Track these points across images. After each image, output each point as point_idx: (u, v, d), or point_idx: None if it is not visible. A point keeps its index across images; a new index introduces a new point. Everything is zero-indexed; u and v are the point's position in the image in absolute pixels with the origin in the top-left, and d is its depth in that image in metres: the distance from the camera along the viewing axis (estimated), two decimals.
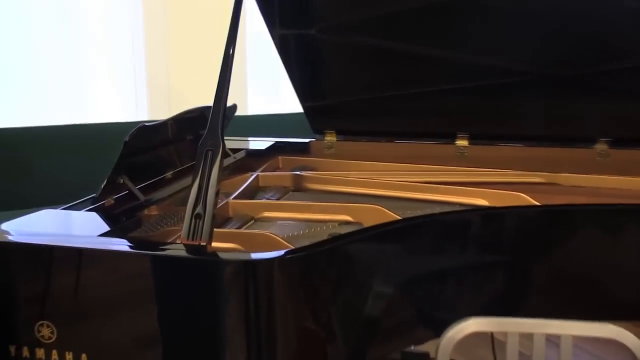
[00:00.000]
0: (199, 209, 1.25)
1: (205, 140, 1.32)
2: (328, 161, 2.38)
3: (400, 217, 1.67)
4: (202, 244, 1.23)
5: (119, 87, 3.68)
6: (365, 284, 1.40)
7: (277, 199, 1.99)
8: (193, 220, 1.25)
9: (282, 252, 1.25)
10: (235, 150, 2.30)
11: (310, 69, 2.32)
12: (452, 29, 2.18)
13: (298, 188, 2.10)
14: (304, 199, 2.01)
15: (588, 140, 2.32)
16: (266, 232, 1.49)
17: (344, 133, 2.49)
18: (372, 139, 2.48)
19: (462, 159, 2.37)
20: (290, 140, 2.50)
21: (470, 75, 2.28)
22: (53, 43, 3.48)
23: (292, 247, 1.33)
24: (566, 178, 2.16)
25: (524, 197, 1.85)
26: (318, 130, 2.48)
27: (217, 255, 1.23)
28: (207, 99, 3.29)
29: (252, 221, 1.76)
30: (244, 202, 1.79)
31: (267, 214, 1.78)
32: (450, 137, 2.40)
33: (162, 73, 3.59)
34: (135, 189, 1.61)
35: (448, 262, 1.56)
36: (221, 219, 1.73)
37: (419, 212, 1.82)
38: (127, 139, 1.51)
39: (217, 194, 1.28)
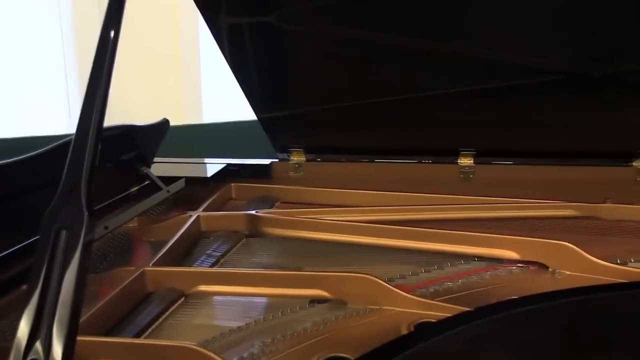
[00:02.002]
0: (35, 348, 0.61)
1: (55, 210, 0.68)
2: (296, 189, 1.75)
3: (405, 295, 1.06)
4: None
5: (50, 95, 3.00)
6: None
7: (224, 253, 1.35)
8: None
9: None
10: (170, 180, 1.66)
11: (267, 70, 1.68)
12: (453, 16, 1.56)
13: (254, 232, 1.46)
14: (261, 252, 1.39)
15: (624, 156, 1.74)
16: (191, 345, 0.85)
17: (315, 151, 1.86)
18: (352, 159, 1.85)
19: (467, 183, 1.76)
20: (245, 162, 1.86)
21: (476, 76, 1.69)
22: None
23: None
24: (610, 210, 1.54)
25: (572, 249, 1.24)
26: (283, 149, 1.85)
27: None
28: (157, 106, 2.59)
29: (182, 299, 1.13)
30: (168, 271, 1.15)
31: (203, 287, 1.14)
32: (452, 155, 1.78)
33: None
34: None
35: None
36: (136, 297, 1.10)
37: (434, 275, 1.22)
38: None
39: (77, 313, 0.64)
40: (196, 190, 1.71)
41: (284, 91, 1.75)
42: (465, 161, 1.79)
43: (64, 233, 0.67)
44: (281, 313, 1.08)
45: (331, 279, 1.12)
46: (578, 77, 1.64)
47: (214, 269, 1.24)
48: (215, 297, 1.16)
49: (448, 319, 0.92)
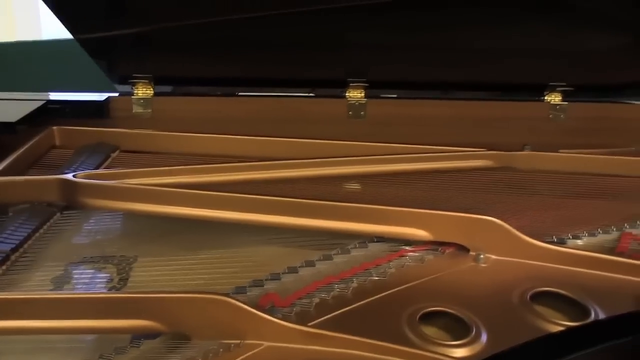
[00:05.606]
0: None
1: None
2: (140, 134, 1.30)
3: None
4: None
5: None
6: None
7: (21, 242, 0.90)
8: None
9: None
10: None
11: None
12: None
13: (74, 204, 1.01)
14: (81, 234, 0.96)
15: (535, 89, 1.41)
16: None
17: (166, 82, 1.40)
18: (215, 92, 1.41)
19: (357, 121, 1.37)
20: (74, 98, 1.36)
21: None
22: None
23: None
24: (529, 159, 1.21)
25: (498, 225, 0.89)
26: (123, 79, 1.36)
27: None
28: None
29: None
30: None
31: None
32: (339, 87, 1.37)
33: None
34: None
35: None
36: None
37: (319, 270, 0.84)
38: None
39: None
40: (3, 140, 1.21)
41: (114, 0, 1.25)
42: (355, 94, 1.39)
43: None
44: None
45: (166, 302, 0.70)
46: None
47: None
48: None
49: None
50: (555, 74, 1.38)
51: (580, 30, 1.32)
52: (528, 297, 0.80)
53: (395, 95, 1.43)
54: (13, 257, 0.87)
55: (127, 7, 1.26)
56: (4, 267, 0.85)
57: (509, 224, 0.90)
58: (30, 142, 1.21)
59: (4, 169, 1.07)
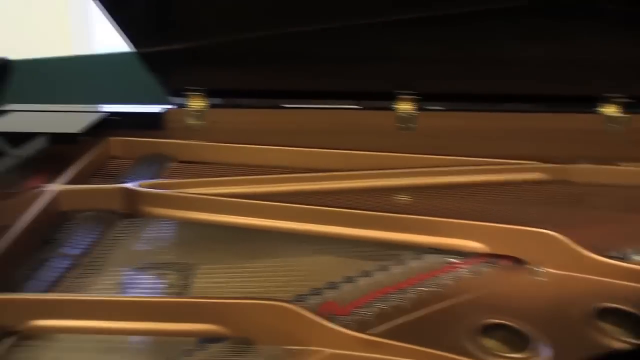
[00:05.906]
0: None
1: None
2: (196, 145, 1.33)
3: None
4: None
5: None
6: None
7: (86, 249, 0.93)
8: None
9: None
10: (19, 138, 1.19)
11: None
12: None
13: (135, 212, 1.04)
14: (143, 241, 0.99)
15: (588, 101, 1.39)
16: None
17: (220, 95, 1.43)
18: (267, 104, 1.43)
19: (406, 134, 1.37)
20: (131, 110, 1.40)
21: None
22: None
23: None
24: (584, 172, 1.20)
25: (557, 239, 0.89)
26: (177, 92, 1.39)
27: None
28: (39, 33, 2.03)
29: (10, 339, 0.71)
30: None
31: (43, 322, 0.72)
32: (387, 99, 1.37)
33: None
34: None
35: None
36: None
37: (376, 281, 0.85)
38: None
39: None
40: (64, 150, 1.25)
41: (172, 15, 1.28)
42: (405, 106, 1.40)
43: None
44: None
45: (230, 308, 0.72)
46: (543, 3, 1.26)
47: (55, 296, 0.79)
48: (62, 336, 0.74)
49: None
50: (611, 85, 1.36)
51: (635, 40, 1.30)
52: (590, 312, 0.80)
53: (444, 108, 1.43)
54: (83, 262, 0.90)
55: (184, 23, 1.29)
56: (78, 271, 0.88)
57: (568, 238, 0.89)
58: (90, 153, 1.25)
59: (70, 178, 1.11)
